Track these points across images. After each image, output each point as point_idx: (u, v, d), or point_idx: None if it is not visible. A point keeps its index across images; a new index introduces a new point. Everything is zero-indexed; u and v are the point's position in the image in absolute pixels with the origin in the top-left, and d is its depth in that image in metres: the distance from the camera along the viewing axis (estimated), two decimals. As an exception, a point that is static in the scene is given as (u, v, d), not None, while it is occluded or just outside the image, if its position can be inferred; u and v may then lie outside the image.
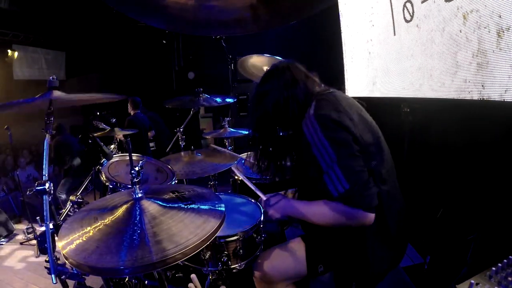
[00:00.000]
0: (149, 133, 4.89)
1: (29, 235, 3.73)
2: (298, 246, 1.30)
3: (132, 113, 4.60)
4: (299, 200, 1.29)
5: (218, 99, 2.40)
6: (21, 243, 3.68)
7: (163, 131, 5.43)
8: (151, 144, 5.15)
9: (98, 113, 4.71)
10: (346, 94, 2.71)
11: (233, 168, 1.85)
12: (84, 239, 0.94)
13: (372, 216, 1.06)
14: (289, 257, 1.28)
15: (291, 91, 1.21)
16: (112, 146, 3.20)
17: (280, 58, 2.50)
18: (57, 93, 1.24)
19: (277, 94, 1.22)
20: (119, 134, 3.21)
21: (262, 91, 1.27)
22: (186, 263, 1.44)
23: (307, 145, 1.10)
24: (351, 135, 1.08)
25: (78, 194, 1.72)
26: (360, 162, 1.07)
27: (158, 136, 5.24)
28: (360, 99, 1.31)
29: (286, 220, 1.73)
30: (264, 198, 1.39)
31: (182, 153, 2.21)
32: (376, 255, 1.19)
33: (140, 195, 1.09)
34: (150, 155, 4.22)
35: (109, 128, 3.13)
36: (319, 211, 1.14)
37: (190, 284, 0.99)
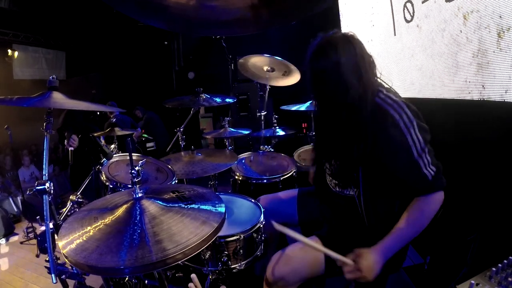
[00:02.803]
0: (134, 133, 4.87)
1: (29, 235, 3.73)
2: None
3: (111, 116, 4.63)
4: (389, 236, 1.13)
5: (218, 99, 2.40)
6: (21, 243, 3.68)
7: (161, 131, 5.43)
8: (151, 144, 5.15)
9: (98, 113, 4.72)
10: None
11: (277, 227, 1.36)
12: (84, 238, 0.94)
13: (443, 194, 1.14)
14: (307, 258, 1.22)
15: (368, 64, 1.12)
16: (112, 146, 3.20)
17: (280, 59, 2.49)
18: (55, 98, 1.24)
19: (357, 62, 1.08)
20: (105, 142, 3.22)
21: (346, 56, 1.07)
22: (186, 263, 1.44)
23: (399, 132, 1.07)
24: (426, 125, 1.13)
25: (78, 194, 1.73)
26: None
27: (156, 136, 5.24)
28: None
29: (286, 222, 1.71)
30: (350, 262, 1.13)
31: (182, 153, 2.22)
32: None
33: (140, 195, 1.09)
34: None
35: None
36: (420, 217, 1.12)
37: (190, 284, 0.99)
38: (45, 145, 1.19)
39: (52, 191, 1.17)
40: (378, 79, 1.20)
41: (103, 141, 3.56)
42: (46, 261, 1.16)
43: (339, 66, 1.07)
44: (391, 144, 1.09)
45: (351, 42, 1.11)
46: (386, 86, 1.19)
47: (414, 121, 1.08)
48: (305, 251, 1.24)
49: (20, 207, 4.55)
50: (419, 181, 1.09)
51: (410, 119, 1.08)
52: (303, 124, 4.65)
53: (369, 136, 1.11)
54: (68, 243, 0.93)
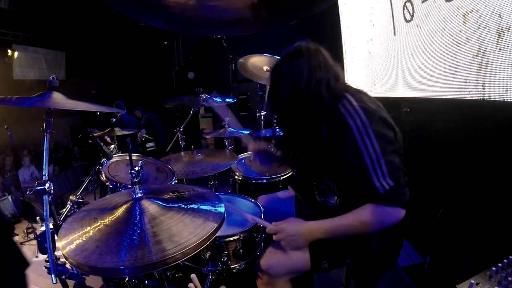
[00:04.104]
0: (139, 133, 4.90)
1: (29, 235, 3.73)
2: None
3: (118, 116, 4.65)
4: (325, 219, 1.16)
5: (218, 99, 2.40)
6: (21, 243, 3.68)
7: (161, 131, 5.43)
8: (151, 144, 5.16)
9: (98, 113, 4.72)
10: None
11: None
12: (84, 239, 0.94)
13: (404, 212, 1.06)
14: (294, 252, 1.24)
15: (323, 73, 1.14)
16: (112, 146, 3.21)
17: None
18: (55, 98, 1.24)
19: (309, 73, 1.13)
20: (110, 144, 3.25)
21: (291, 69, 1.16)
22: (186, 263, 1.44)
23: (351, 139, 1.04)
24: (393, 132, 1.09)
25: (78, 194, 1.72)
26: (399, 160, 1.07)
27: (156, 136, 5.24)
28: None
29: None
30: (270, 225, 1.24)
31: (182, 153, 2.22)
32: (380, 248, 1.20)
33: (140, 195, 1.09)
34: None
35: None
36: (361, 220, 1.07)
37: (190, 284, 0.99)
38: (45, 145, 1.19)
39: (52, 191, 1.17)
40: (348, 84, 1.21)
41: (108, 139, 3.57)
42: (46, 261, 1.16)
43: (290, 77, 1.15)
44: (344, 150, 1.08)
45: (303, 54, 1.17)
46: (354, 90, 1.17)
47: (369, 127, 1.03)
48: None
49: (20, 207, 4.55)
50: (369, 192, 1.05)
51: (365, 125, 1.03)
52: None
53: (323, 141, 1.14)
54: (68, 244, 0.92)
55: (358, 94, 1.14)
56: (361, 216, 1.08)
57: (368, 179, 1.03)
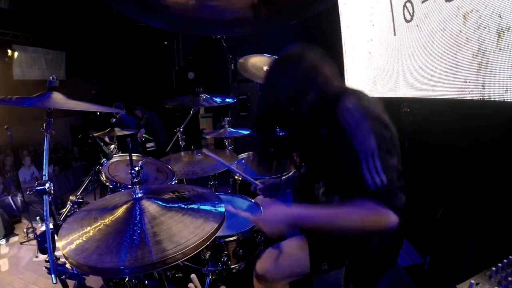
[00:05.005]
0: (139, 133, 4.91)
1: (29, 235, 3.73)
2: (301, 244, 1.27)
3: (117, 116, 4.66)
4: (310, 205, 1.11)
5: (218, 99, 2.40)
6: (21, 243, 3.68)
7: (161, 131, 5.44)
8: (151, 144, 5.16)
9: (98, 113, 4.73)
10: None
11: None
12: (84, 239, 0.94)
13: (397, 219, 1.01)
14: (293, 255, 1.24)
15: (310, 81, 1.10)
16: (112, 146, 3.21)
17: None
18: (55, 98, 1.24)
19: (296, 84, 1.10)
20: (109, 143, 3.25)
21: (276, 81, 1.14)
22: (186, 263, 1.44)
23: (347, 139, 1.02)
24: (390, 133, 1.06)
25: (78, 194, 1.72)
26: (395, 162, 1.04)
27: (156, 136, 5.24)
28: None
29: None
30: (251, 217, 1.21)
31: (182, 153, 2.22)
32: (380, 249, 1.20)
33: (140, 195, 1.09)
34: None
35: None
36: (345, 212, 1.02)
37: (190, 284, 0.99)
38: (45, 145, 1.19)
39: (52, 191, 1.17)
40: (343, 86, 1.18)
41: (107, 140, 3.57)
42: (46, 261, 1.16)
43: (280, 85, 1.13)
44: (340, 149, 1.06)
45: (289, 62, 1.15)
46: (350, 91, 1.14)
47: (367, 127, 1.00)
48: (291, 248, 1.26)
49: (20, 207, 4.55)
50: (360, 187, 1.00)
51: (363, 125, 1.01)
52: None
53: (321, 144, 1.13)
54: (68, 244, 0.93)
55: (354, 95, 1.11)
56: (348, 205, 1.03)
57: (359, 177, 1.00)
